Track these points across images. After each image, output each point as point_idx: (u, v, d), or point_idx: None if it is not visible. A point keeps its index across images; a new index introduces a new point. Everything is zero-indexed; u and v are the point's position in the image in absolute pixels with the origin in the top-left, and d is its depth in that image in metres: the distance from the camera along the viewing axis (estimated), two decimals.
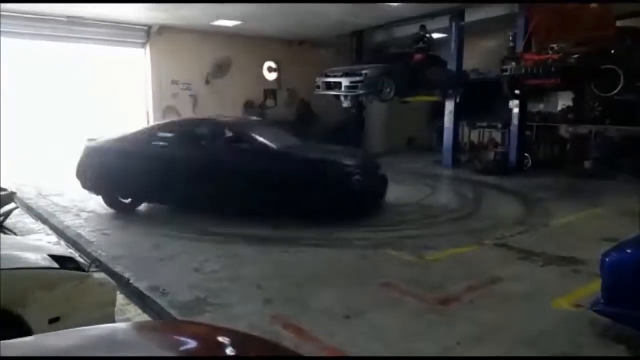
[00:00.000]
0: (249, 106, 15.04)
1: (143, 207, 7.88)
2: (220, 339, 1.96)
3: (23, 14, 11.03)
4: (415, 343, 3.60)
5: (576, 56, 8.87)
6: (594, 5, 8.65)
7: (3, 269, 2.83)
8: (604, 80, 8.76)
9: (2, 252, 3.15)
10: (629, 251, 3.74)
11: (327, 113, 14.94)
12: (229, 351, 1.90)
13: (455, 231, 6.63)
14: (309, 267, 5.22)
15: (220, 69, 14.40)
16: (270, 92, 15.62)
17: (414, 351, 3.48)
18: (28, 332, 2.64)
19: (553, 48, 9.14)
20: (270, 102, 15.62)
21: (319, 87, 11.37)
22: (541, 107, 13.89)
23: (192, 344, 1.91)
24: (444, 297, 4.41)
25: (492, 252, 5.76)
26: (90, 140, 8.04)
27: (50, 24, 11.61)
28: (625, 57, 8.76)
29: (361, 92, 10.50)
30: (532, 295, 4.46)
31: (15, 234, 6.13)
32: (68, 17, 11.50)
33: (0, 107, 10.85)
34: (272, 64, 15.39)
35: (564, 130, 12.95)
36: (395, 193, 8.49)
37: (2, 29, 10.83)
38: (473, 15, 11.64)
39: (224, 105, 14.15)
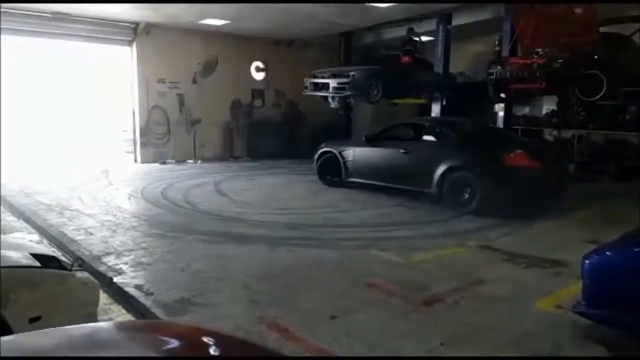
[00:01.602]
0: (236, 105, 14.99)
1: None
2: (204, 339, 1.96)
3: (7, 9, 10.85)
4: (400, 343, 3.62)
5: (560, 61, 8.98)
6: (577, 10, 8.77)
7: None
8: (587, 85, 8.89)
9: None
10: (609, 253, 3.80)
11: (314, 113, 14.96)
12: (213, 352, 1.90)
13: (439, 233, 6.68)
14: (296, 267, 5.22)
15: (208, 67, 14.32)
16: (258, 91, 15.58)
17: (398, 351, 3.50)
18: (7, 331, 2.60)
19: (538, 52, 9.25)
20: (257, 102, 15.58)
21: (306, 88, 11.39)
22: (526, 110, 14.06)
23: (174, 344, 1.90)
24: (428, 297, 4.44)
25: (476, 254, 5.82)
26: None
27: (36, 19, 11.43)
28: (608, 63, 8.89)
29: (348, 93, 10.55)
30: (515, 296, 4.51)
31: None
32: (53, 12, 11.35)
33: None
34: (260, 64, 15.35)
35: (548, 134, 13.12)
36: (377, 196, 8.54)
37: None
38: (460, 18, 11.75)
39: (211, 104, 14.13)
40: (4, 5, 10.56)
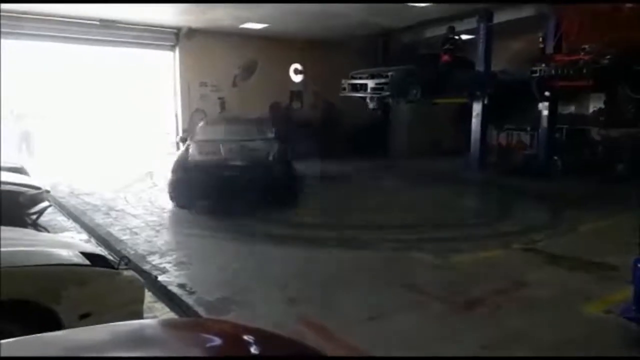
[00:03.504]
0: (275, 107, 15.12)
1: None
2: (246, 337, 1.99)
3: (59, 17, 11.32)
4: (439, 346, 3.57)
5: (608, 57, 8.65)
6: (627, 5, 8.43)
7: (39, 265, 2.93)
8: (638, 82, 8.53)
9: (37, 249, 3.25)
10: None
11: (352, 115, 14.90)
12: (254, 349, 1.93)
13: (481, 234, 6.54)
14: (335, 267, 5.23)
15: (247, 70, 14.51)
16: (296, 93, 15.67)
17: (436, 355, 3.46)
18: (60, 326, 2.71)
19: (584, 49, 8.94)
20: (296, 104, 15.67)
21: (344, 89, 11.37)
22: (572, 109, 13.61)
23: (217, 342, 1.94)
24: (470, 300, 4.36)
25: (519, 256, 5.68)
26: None
27: (85, 27, 11.87)
28: None
29: (387, 93, 10.46)
30: (561, 300, 4.37)
31: (48, 231, 6.30)
32: (102, 20, 11.76)
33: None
34: (298, 66, 15.42)
35: (595, 133, 12.65)
36: (419, 196, 8.43)
37: (36, 32, 11.24)
38: (501, 16, 11.47)
39: (250, 106, 14.29)
40: (54, 13, 11.03)
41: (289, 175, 8.14)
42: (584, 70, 8.81)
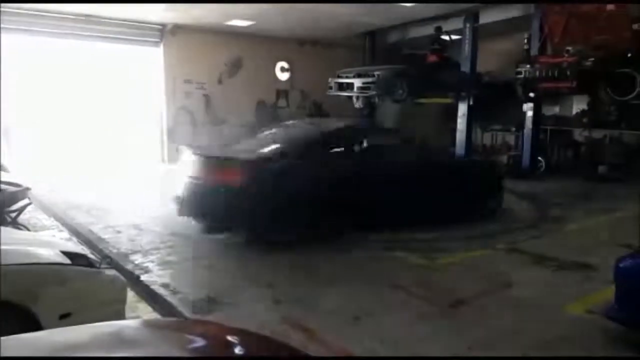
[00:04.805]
0: (261, 106, 15.07)
1: None
2: (229, 338, 1.96)
3: (41, 12, 11.15)
4: (425, 346, 3.57)
5: (592, 59, 8.77)
6: (610, 7, 8.55)
7: (16, 264, 2.86)
8: (620, 84, 8.66)
9: (15, 247, 3.18)
10: None
11: (339, 114, 14.89)
12: (238, 350, 1.90)
13: (467, 235, 6.56)
14: (321, 267, 5.21)
15: (233, 68, 14.44)
16: (282, 92, 15.63)
17: (423, 355, 3.45)
18: (38, 327, 2.65)
19: (569, 51, 9.04)
20: (282, 102, 15.63)
21: (331, 88, 11.38)
22: (556, 110, 13.79)
23: (200, 343, 1.91)
24: (455, 300, 4.36)
25: (504, 257, 5.71)
26: None
27: (69, 22, 11.69)
28: None
29: (373, 93, 10.48)
30: (544, 300, 4.40)
31: (28, 229, 6.19)
32: (86, 15, 11.61)
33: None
34: (285, 64, 15.40)
35: (579, 134, 12.83)
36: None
37: (19, 27, 11.05)
38: (487, 16, 11.55)
39: (235, 105, 14.24)
40: (36, 7, 10.86)
41: None
42: (568, 72, 8.92)
